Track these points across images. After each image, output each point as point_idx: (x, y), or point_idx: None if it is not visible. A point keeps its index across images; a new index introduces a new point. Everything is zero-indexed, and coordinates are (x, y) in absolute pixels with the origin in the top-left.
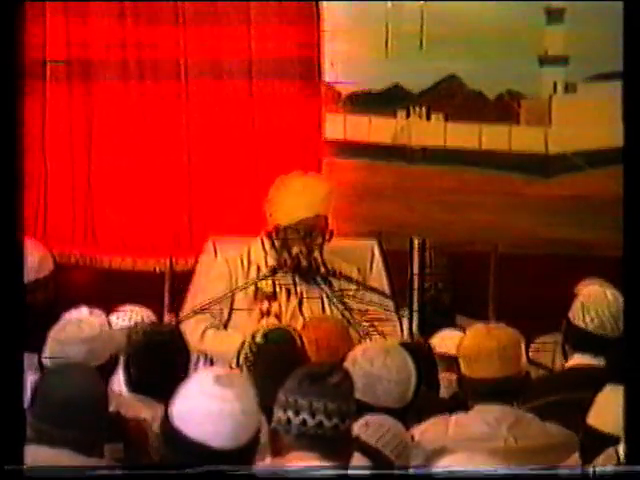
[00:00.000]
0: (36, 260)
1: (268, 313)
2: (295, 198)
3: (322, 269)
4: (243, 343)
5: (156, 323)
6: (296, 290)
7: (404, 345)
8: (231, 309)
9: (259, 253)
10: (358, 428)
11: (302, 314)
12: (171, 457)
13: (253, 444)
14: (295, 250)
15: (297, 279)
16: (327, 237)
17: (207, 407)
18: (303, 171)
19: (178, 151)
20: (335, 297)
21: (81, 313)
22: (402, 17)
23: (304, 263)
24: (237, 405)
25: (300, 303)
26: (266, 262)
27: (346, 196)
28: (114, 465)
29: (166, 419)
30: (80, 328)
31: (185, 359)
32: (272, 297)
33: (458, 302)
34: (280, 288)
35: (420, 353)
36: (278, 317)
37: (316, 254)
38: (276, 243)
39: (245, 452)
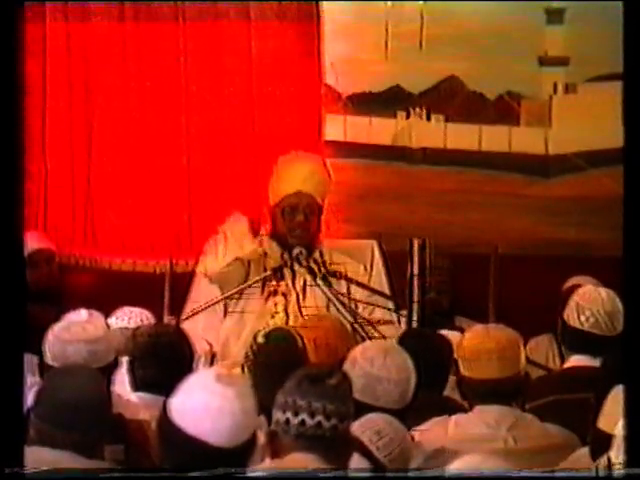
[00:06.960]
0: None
1: (275, 292)
2: (277, 176)
3: (322, 269)
4: None
5: (160, 323)
6: (294, 284)
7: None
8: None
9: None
10: (357, 427)
11: (301, 313)
12: (167, 453)
13: (250, 444)
14: (296, 251)
15: (297, 277)
16: (313, 217)
17: (207, 404)
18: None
19: (178, 152)
20: (335, 297)
21: (80, 315)
22: (402, 17)
23: (304, 263)
24: (237, 404)
25: (298, 301)
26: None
27: (346, 196)
28: (115, 467)
29: (164, 414)
30: (84, 329)
31: (190, 358)
32: (280, 277)
33: (457, 303)
34: (289, 267)
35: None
36: (285, 296)
37: (316, 255)
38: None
39: (241, 452)
